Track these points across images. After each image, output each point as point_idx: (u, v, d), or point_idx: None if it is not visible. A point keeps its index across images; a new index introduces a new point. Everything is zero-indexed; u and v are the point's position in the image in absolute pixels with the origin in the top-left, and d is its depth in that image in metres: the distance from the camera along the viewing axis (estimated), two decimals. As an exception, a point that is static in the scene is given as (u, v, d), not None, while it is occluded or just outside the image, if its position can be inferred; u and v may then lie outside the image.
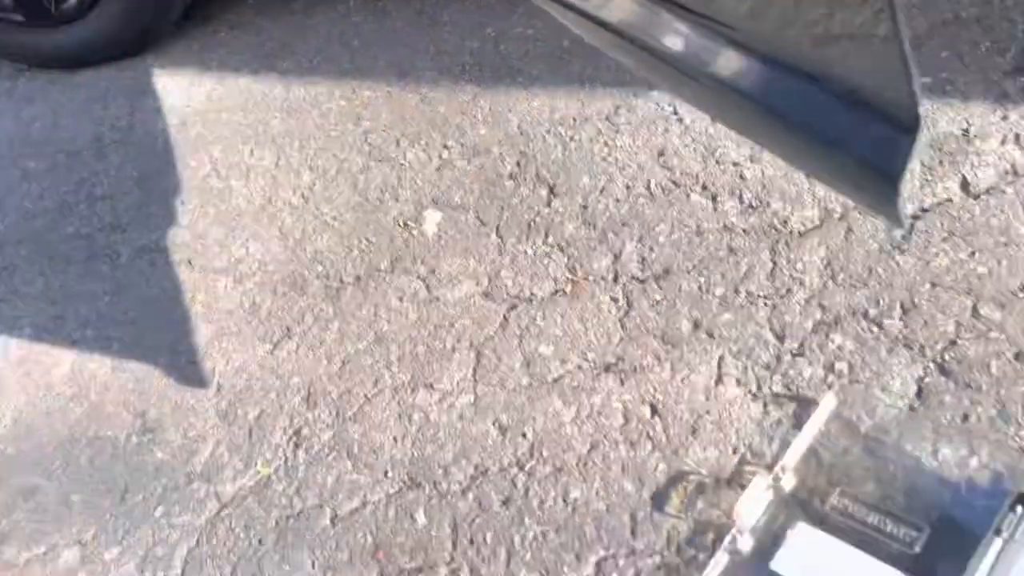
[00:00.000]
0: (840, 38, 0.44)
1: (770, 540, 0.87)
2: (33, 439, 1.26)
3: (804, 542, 0.85)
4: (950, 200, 1.10)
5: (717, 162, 1.27)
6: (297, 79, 1.71)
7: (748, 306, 1.09)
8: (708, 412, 1.01)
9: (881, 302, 1.02)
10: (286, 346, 1.28)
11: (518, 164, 1.41)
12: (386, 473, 1.09)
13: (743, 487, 0.90)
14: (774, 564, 0.85)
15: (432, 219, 1.39)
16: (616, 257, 1.22)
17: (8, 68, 1.93)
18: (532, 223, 1.31)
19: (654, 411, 1.03)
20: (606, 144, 1.38)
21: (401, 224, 1.40)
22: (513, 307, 1.21)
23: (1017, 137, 1.13)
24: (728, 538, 0.87)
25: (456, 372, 1.16)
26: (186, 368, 1.28)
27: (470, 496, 1.03)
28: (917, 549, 0.80)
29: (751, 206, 1.19)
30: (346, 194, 1.48)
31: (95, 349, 1.35)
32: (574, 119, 1.44)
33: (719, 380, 1.03)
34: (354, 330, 1.27)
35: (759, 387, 1.01)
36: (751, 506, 0.88)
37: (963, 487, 0.83)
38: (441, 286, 1.28)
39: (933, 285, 1.02)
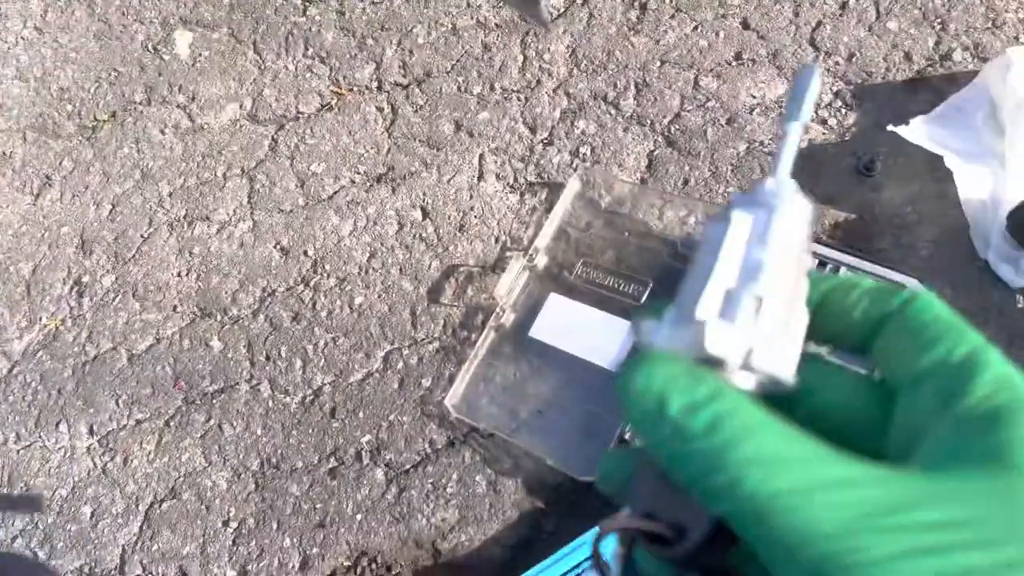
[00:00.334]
0: None
1: (528, 312, 0.99)
2: None
3: (555, 309, 0.98)
4: (678, -23, 1.16)
5: (466, -46, 1.26)
6: None
7: (503, 102, 1.14)
8: (472, 208, 1.08)
9: (618, 84, 1.10)
10: (48, 195, 1.23)
11: (267, -29, 1.34)
12: (175, 308, 1.12)
13: (505, 271, 1.00)
14: (532, 332, 0.97)
15: (183, 40, 1.31)
16: (378, 65, 1.22)
17: None
18: (290, 35, 1.27)
19: (425, 214, 1.09)
20: (356, -58, 1.33)
21: (151, 49, 1.32)
22: (281, 127, 1.20)
23: (737, -93, 1.18)
24: (493, 316, 0.98)
25: (231, 201, 1.17)
26: (-60, 234, 1.21)
27: (261, 317, 1.08)
28: (642, 300, 0.94)
29: (501, -1, 1.21)
30: (84, 21, 1.36)
31: None
32: (320, -85, 1.36)
33: (481, 177, 1.10)
34: (118, 170, 1.22)
35: (515, 179, 1.08)
36: (510, 286, 0.99)
37: (680, 243, 0.97)
38: (204, 113, 1.24)
39: (662, 62, 1.10)
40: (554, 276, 1.00)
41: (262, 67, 1.26)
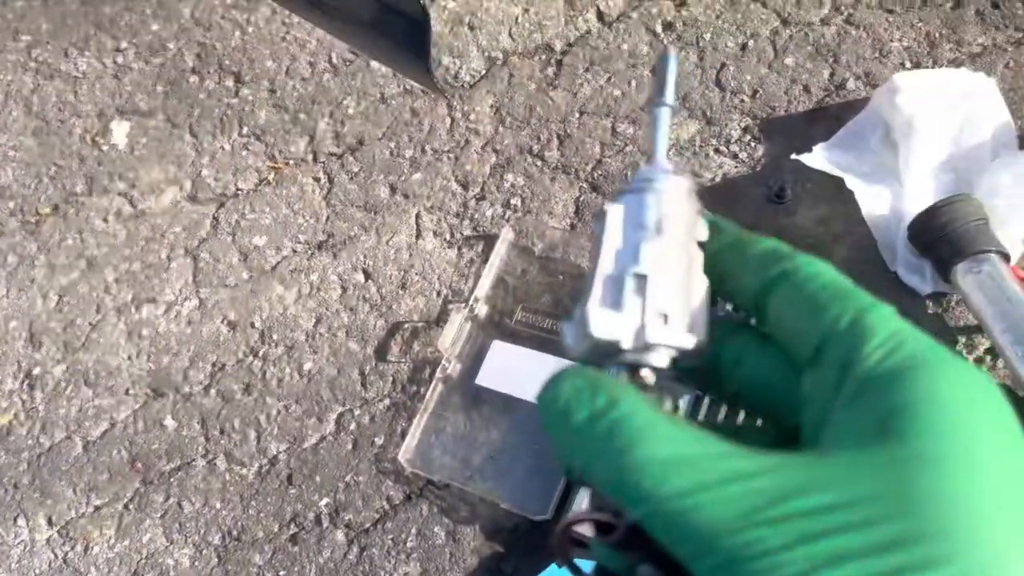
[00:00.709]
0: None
1: (473, 361, 1.02)
2: None
3: (499, 356, 1.01)
4: (589, 32, 1.22)
5: (389, 27, 1.32)
6: (-72, -2, 1.52)
7: (435, 163, 1.18)
8: (413, 266, 1.12)
9: (542, 137, 1.16)
10: (-6, 293, 1.24)
11: (199, 57, 1.39)
12: (127, 391, 1.13)
13: (448, 323, 1.03)
14: (478, 380, 1.00)
15: (121, 130, 1.35)
16: (311, 138, 1.26)
17: None
18: (224, 116, 1.32)
19: (367, 276, 1.13)
20: (283, 23, 1.38)
21: (89, 141, 1.35)
22: (221, 205, 1.24)
23: (638, -36, 1.26)
24: (439, 368, 1.01)
25: (176, 281, 1.19)
26: None
27: (212, 392, 1.10)
28: (581, 340, 0.98)
29: (433, 63, 1.26)
30: (22, 120, 1.39)
31: None
32: (247, 1, 1.42)
33: (419, 235, 1.14)
34: (63, 261, 1.24)
35: (452, 234, 1.12)
36: (454, 337, 1.02)
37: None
38: (144, 198, 1.27)
39: (581, 113, 1.16)
40: (496, 324, 1.04)
41: (199, 149, 1.29)
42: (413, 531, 0.95)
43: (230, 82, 1.35)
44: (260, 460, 1.04)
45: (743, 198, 1.03)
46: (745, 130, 1.08)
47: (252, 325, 1.13)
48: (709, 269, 0.26)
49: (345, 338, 1.09)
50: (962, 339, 0.90)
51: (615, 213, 0.27)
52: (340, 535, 0.98)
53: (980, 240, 0.86)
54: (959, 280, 0.87)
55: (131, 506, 1.06)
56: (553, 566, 0.87)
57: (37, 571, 1.05)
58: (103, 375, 1.15)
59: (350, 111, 1.27)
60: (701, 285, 0.26)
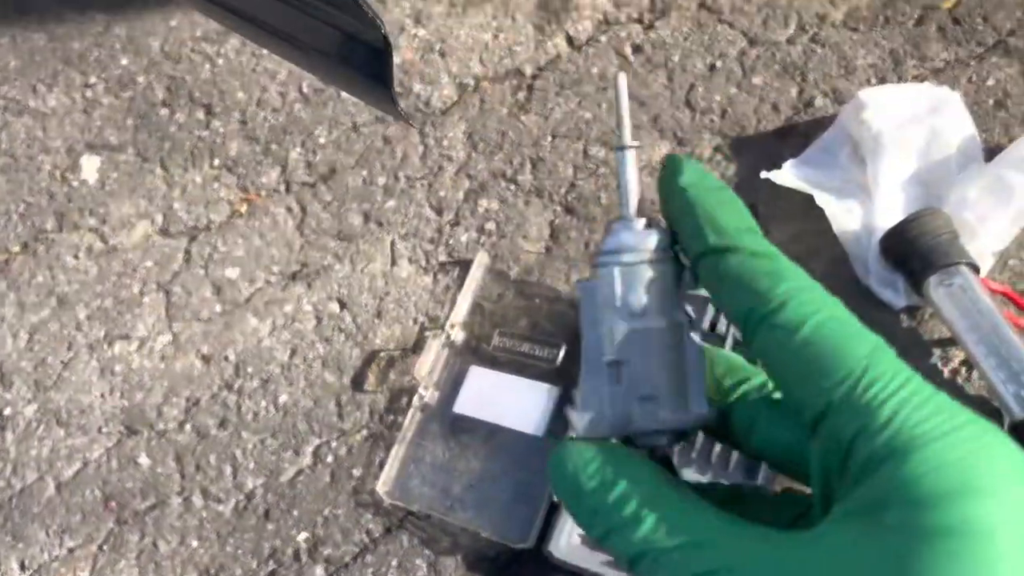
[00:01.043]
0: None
1: (451, 388, 1.01)
2: None
3: (477, 382, 1.00)
4: (559, 56, 1.23)
5: (359, 56, 1.32)
6: None
7: (408, 190, 1.18)
8: (388, 294, 1.11)
9: (514, 161, 1.16)
10: (-38, 333, 1.22)
11: (169, 90, 1.38)
12: (100, 429, 1.11)
13: (424, 351, 1.02)
14: (456, 407, 0.99)
15: (91, 165, 1.34)
16: (283, 168, 1.25)
17: None
18: (195, 149, 1.31)
19: (342, 305, 1.12)
20: (253, 55, 1.38)
21: (58, 177, 1.34)
22: (193, 239, 1.23)
23: (605, -11, 1.27)
24: (417, 396, 1.00)
25: (149, 316, 1.18)
26: None
27: (187, 428, 1.08)
28: (558, 362, 0.97)
29: (397, 93, 1.27)
30: (-10, 157, 1.38)
31: None
32: (217, 33, 1.42)
33: (393, 263, 1.13)
34: (33, 299, 1.22)
35: (427, 261, 1.12)
36: (431, 365, 1.01)
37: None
38: (115, 234, 1.26)
39: (553, 137, 1.16)
40: (473, 349, 1.03)
41: (170, 182, 1.28)
42: (394, 564, 0.94)
43: (201, 114, 1.34)
44: (237, 496, 1.02)
45: (716, 217, 1.03)
46: (716, 149, 1.08)
47: (226, 359, 1.11)
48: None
49: (321, 369, 1.08)
50: (937, 351, 0.90)
51: (589, 293, 0.27)
52: (319, 570, 0.96)
53: (950, 253, 0.87)
54: (931, 293, 0.87)
55: (105, 547, 1.03)
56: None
57: (9, 618, 1.03)
58: (75, 414, 1.13)
59: (322, 140, 1.26)
60: (692, 351, 0.25)
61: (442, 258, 1.12)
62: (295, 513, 0.99)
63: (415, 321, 1.08)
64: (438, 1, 1.33)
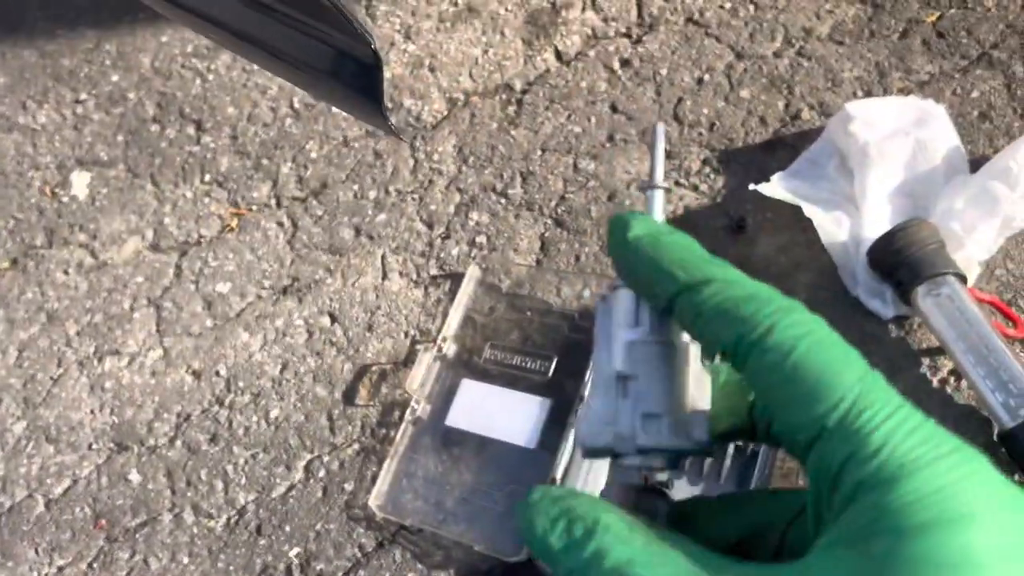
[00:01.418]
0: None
1: (443, 401, 1.01)
2: None
3: (469, 395, 1.00)
4: (548, 71, 1.24)
5: (350, 71, 1.32)
6: None
7: (399, 203, 1.19)
8: (379, 308, 1.11)
9: (505, 175, 1.16)
10: (-49, 350, 1.21)
11: (159, 106, 1.38)
12: (90, 446, 1.10)
13: (416, 364, 1.02)
14: (448, 420, 0.99)
15: (81, 181, 1.34)
16: (274, 182, 1.26)
17: None
18: (186, 164, 1.31)
19: (333, 319, 1.12)
20: (244, 70, 1.39)
21: (48, 193, 1.33)
22: (184, 254, 1.23)
23: (594, 3, 1.28)
24: (409, 410, 1.00)
25: (140, 332, 1.17)
26: None
27: (178, 443, 1.08)
28: (549, 375, 0.97)
29: (387, 108, 1.27)
30: (-21, 173, 1.37)
31: None
32: (207, 49, 1.42)
33: (384, 276, 1.13)
34: (22, 316, 1.22)
35: (418, 274, 1.12)
36: (422, 378, 1.01)
37: (577, 316, 1.01)
38: (106, 249, 1.26)
39: (543, 151, 1.17)
40: (465, 362, 1.03)
41: (161, 198, 1.28)
42: (386, 578, 0.93)
43: (191, 130, 1.34)
44: (228, 511, 1.02)
45: (704, 229, 1.04)
46: (704, 162, 1.09)
47: (217, 374, 1.11)
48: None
49: (312, 383, 1.08)
50: (925, 361, 0.91)
51: (605, 308, 0.27)
52: (312, 586, 0.95)
53: (938, 263, 0.87)
54: (919, 303, 0.88)
55: (95, 565, 1.03)
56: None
57: (-3, 638, 1.02)
58: (65, 430, 1.12)
59: (313, 155, 1.27)
60: (698, 376, 0.26)
61: (433, 271, 1.12)
62: (287, 528, 0.99)
63: (406, 335, 1.08)
64: (428, 17, 1.34)
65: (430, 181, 1.19)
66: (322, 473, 1.01)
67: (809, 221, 0.97)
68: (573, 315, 1.01)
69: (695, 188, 1.08)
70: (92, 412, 1.13)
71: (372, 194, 1.21)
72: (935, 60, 1.09)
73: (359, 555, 0.95)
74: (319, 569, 0.96)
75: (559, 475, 0.89)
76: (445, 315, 1.07)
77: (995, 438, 0.85)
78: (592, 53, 1.24)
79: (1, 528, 1.07)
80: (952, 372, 0.90)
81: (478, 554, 0.91)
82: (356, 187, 1.22)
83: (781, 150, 1.08)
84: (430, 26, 1.33)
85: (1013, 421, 0.81)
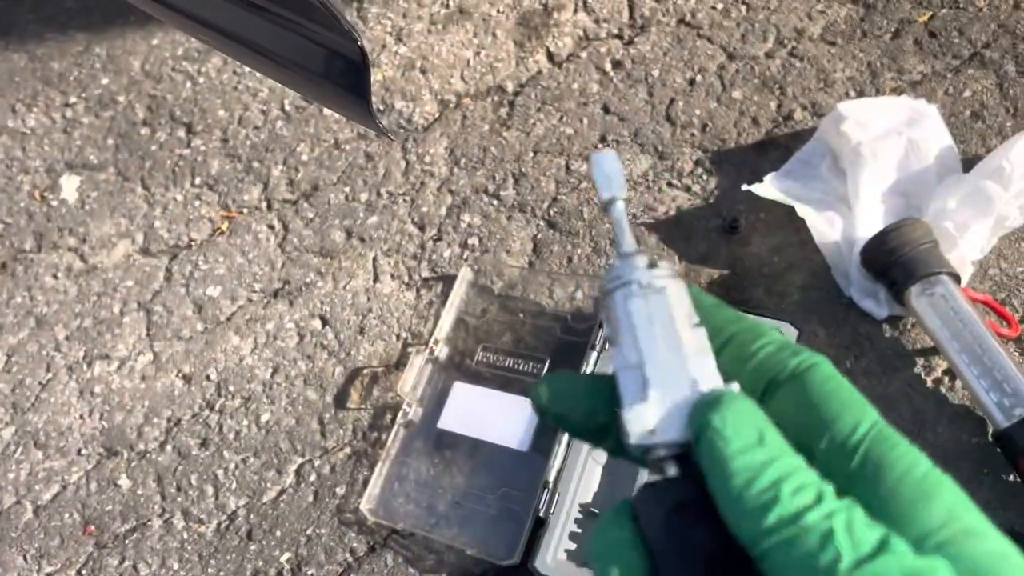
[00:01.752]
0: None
1: (435, 404, 1.00)
2: None
3: (461, 398, 0.99)
4: (540, 72, 1.24)
5: (341, 73, 1.32)
6: None
7: (391, 206, 1.18)
8: (371, 310, 1.10)
9: (497, 177, 1.16)
10: (-61, 355, 1.20)
11: (150, 109, 1.37)
12: (79, 451, 1.09)
13: (408, 367, 1.01)
14: (441, 423, 0.98)
15: (71, 184, 1.33)
16: (265, 185, 1.25)
17: None
18: (176, 167, 1.30)
19: (324, 322, 1.11)
20: (235, 73, 1.38)
21: (38, 197, 1.32)
22: (174, 257, 1.22)
23: (585, 4, 1.28)
24: (400, 413, 0.99)
25: (129, 336, 1.16)
26: None
27: (168, 448, 1.07)
28: (542, 376, 0.96)
29: (379, 110, 1.27)
30: (-32, 177, 1.36)
31: None
32: (198, 52, 1.41)
33: (376, 279, 1.13)
34: (11, 320, 1.21)
35: (410, 276, 1.11)
36: (414, 381, 1.00)
37: (570, 317, 1.00)
38: (95, 253, 1.25)
39: (535, 152, 1.16)
40: (457, 365, 1.02)
41: (151, 201, 1.27)
42: (378, 583, 0.93)
43: (182, 133, 1.33)
44: (219, 516, 1.01)
45: (697, 230, 1.04)
46: (697, 163, 1.09)
47: (208, 378, 1.10)
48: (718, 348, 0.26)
49: (303, 387, 1.07)
50: (920, 361, 0.90)
51: (644, 301, 0.27)
52: (303, 591, 0.94)
53: (931, 263, 0.87)
54: (913, 303, 0.87)
55: (84, 571, 1.01)
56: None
57: (-16, 646, 1.00)
58: (54, 436, 1.11)
59: (304, 157, 1.26)
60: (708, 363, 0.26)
61: (425, 274, 1.11)
62: (278, 533, 0.98)
63: (398, 337, 1.08)
64: (419, 19, 1.34)
65: (422, 183, 1.19)
66: (313, 477, 1.00)
67: (802, 221, 0.97)
68: (566, 317, 1.00)
69: (688, 189, 1.07)
70: (81, 417, 1.11)
71: (363, 196, 1.20)
72: (927, 60, 1.09)
73: (350, 559, 0.95)
74: (310, 574, 0.95)
75: (552, 478, 0.89)
76: (437, 317, 1.06)
77: (990, 438, 0.85)
78: (584, 55, 1.23)
79: (-11, 535, 1.06)
80: (946, 372, 0.89)
81: (471, 558, 0.90)
82: (347, 189, 1.21)
83: (774, 151, 1.07)
84: (421, 28, 1.33)
85: (1008, 421, 0.80)
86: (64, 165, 1.34)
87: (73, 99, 1.42)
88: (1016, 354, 0.89)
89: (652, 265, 0.27)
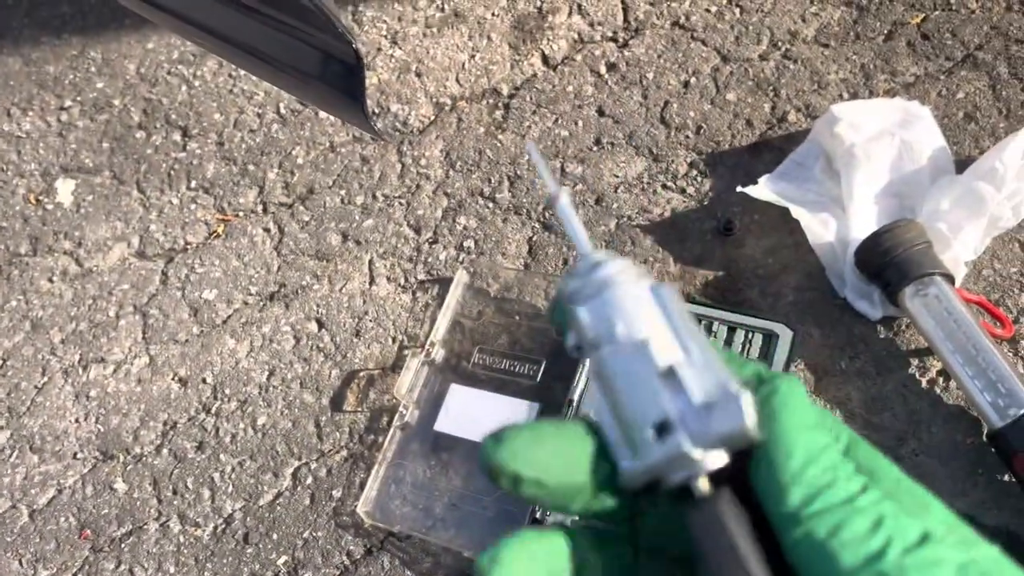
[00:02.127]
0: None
1: (431, 407, 1.00)
2: None
3: (457, 400, 0.99)
4: (535, 75, 1.24)
5: (337, 76, 1.32)
6: None
7: (386, 208, 1.18)
8: (367, 313, 1.10)
9: (492, 179, 1.16)
10: (-66, 360, 1.20)
11: (145, 112, 1.37)
12: (75, 455, 1.09)
13: (404, 369, 1.01)
14: (437, 426, 0.98)
15: (66, 188, 1.33)
16: (261, 189, 1.25)
17: None
18: (172, 171, 1.30)
19: (320, 325, 1.11)
20: (230, 76, 1.38)
21: (33, 201, 1.32)
22: (170, 260, 1.22)
23: (580, 7, 1.29)
24: (397, 416, 0.99)
25: (125, 339, 1.16)
26: None
27: (164, 452, 1.07)
28: (538, 379, 0.97)
29: (374, 113, 1.27)
30: (-37, 181, 1.36)
31: None
32: (193, 55, 1.42)
33: (372, 282, 1.13)
34: (6, 324, 1.21)
35: (406, 279, 1.12)
36: (410, 383, 1.00)
37: (554, 331, 1.00)
38: (91, 257, 1.25)
39: (530, 155, 1.16)
40: (453, 367, 1.02)
41: (147, 204, 1.27)
42: (375, 586, 0.93)
43: (177, 136, 1.33)
44: (215, 520, 1.01)
45: (692, 232, 1.04)
46: (691, 165, 1.09)
47: (204, 381, 1.10)
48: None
49: (299, 390, 1.07)
50: (914, 362, 0.91)
51: (652, 296, 0.25)
52: (299, 594, 0.94)
53: (925, 263, 0.87)
54: (907, 303, 0.88)
55: (80, 575, 1.01)
56: None
57: (-20, 651, 1.00)
58: (49, 440, 1.11)
59: (299, 161, 1.26)
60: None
61: (421, 276, 1.11)
62: (274, 536, 0.98)
63: (394, 340, 1.08)
64: (414, 22, 1.34)
65: (417, 186, 1.19)
66: (310, 480, 1.00)
67: (796, 223, 0.97)
68: (561, 319, 1.01)
69: (682, 191, 1.08)
70: (77, 421, 1.11)
71: (359, 199, 1.20)
72: (920, 62, 1.09)
73: (347, 562, 0.95)
74: (307, 577, 0.95)
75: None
76: (433, 320, 1.06)
77: (984, 438, 0.85)
78: (579, 57, 1.24)
79: (-16, 539, 1.06)
80: (941, 373, 0.90)
81: (467, 560, 0.90)
82: (343, 192, 1.21)
83: (768, 152, 1.08)
84: (416, 31, 1.33)
85: (1002, 421, 0.81)
86: (59, 168, 1.34)
87: (68, 102, 1.42)
88: (1010, 354, 0.89)
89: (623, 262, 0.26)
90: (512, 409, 0.96)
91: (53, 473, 1.09)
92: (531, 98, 1.22)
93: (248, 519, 1.00)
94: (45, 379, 1.16)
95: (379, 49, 1.32)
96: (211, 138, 1.31)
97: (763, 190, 0.99)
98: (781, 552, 0.21)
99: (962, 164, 0.97)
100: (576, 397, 0.92)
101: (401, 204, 1.18)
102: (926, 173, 0.96)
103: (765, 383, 0.23)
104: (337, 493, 0.98)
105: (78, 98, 1.42)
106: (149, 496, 1.04)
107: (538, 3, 1.31)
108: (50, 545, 1.04)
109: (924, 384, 0.89)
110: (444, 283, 1.09)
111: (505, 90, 1.23)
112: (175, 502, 1.03)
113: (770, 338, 0.90)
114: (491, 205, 1.14)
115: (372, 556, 0.94)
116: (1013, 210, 0.91)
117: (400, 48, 1.32)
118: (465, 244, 1.12)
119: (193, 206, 1.26)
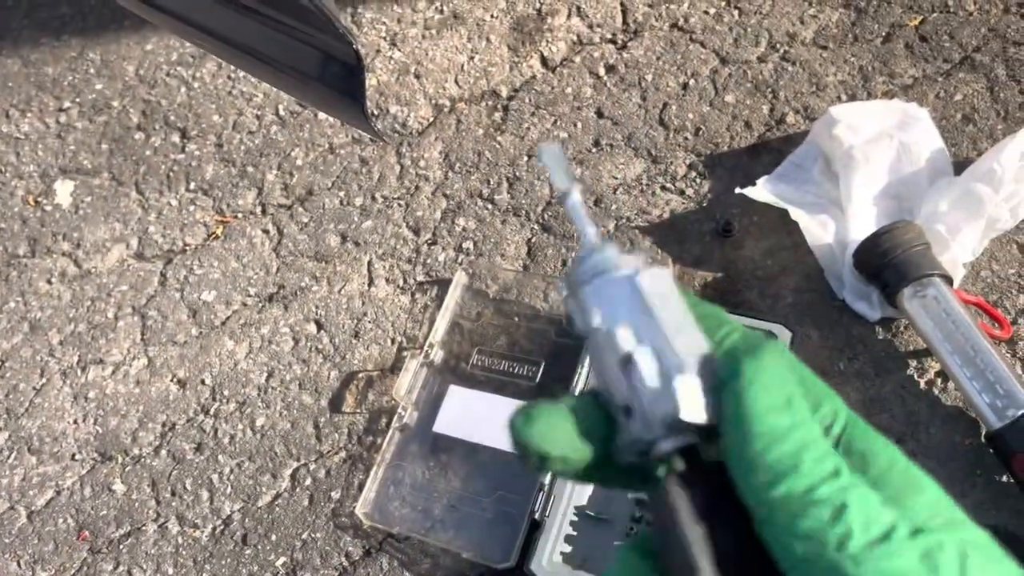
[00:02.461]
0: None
1: (430, 408, 1.00)
2: None
3: (456, 401, 0.99)
4: (534, 77, 1.24)
5: (336, 78, 1.32)
6: None
7: (385, 210, 1.18)
8: (366, 314, 1.10)
9: (491, 181, 1.16)
10: (-68, 361, 1.20)
11: (144, 114, 1.38)
12: (74, 456, 1.09)
13: (403, 371, 1.01)
14: (436, 427, 0.98)
15: (64, 189, 1.33)
16: (260, 190, 1.25)
17: None
18: (171, 172, 1.30)
19: (319, 326, 1.11)
20: (229, 78, 1.38)
21: (32, 202, 1.32)
22: (169, 262, 1.22)
23: (579, 9, 1.29)
24: (396, 417, 0.99)
25: (124, 341, 1.16)
26: None
27: (163, 453, 1.06)
28: (537, 380, 0.97)
29: (373, 114, 1.27)
30: (-39, 183, 1.36)
31: None
32: (192, 57, 1.42)
33: (371, 283, 1.13)
34: (5, 326, 1.21)
35: (405, 280, 1.12)
36: (409, 384, 1.00)
37: (564, 321, 1.01)
38: (90, 258, 1.25)
39: (529, 156, 1.17)
40: (452, 368, 1.02)
41: (145, 206, 1.27)
42: (374, 587, 0.93)
43: (176, 138, 1.34)
44: (214, 521, 1.01)
45: (691, 233, 1.04)
46: (690, 167, 1.09)
47: (203, 382, 1.10)
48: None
49: (298, 391, 1.07)
50: (912, 363, 0.91)
51: (640, 289, 0.26)
52: (298, 596, 0.94)
53: (923, 264, 0.88)
54: (905, 304, 0.88)
55: (78, 578, 1.01)
56: None
57: (-22, 653, 1.00)
58: (48, 441, 1.11)
59: (298, 162, 1.26)
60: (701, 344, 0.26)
61: (420, 278, 1.11)
62: (273, 537, 0.98)
63: (393, 341, 1.08)
64: (413, 24, 1.34)
65: (416, 187, 1.19)
66: (308, 481, 1.00)
67: (795, 224, 0.98)
68: (560, 320, 1.01)
69: (681, 193, 1.08)
70: (75, 422, 1.11)
71: (358, 201, 1.20)
72: (918, 64, 1.10)
73: (346, 563, 0.95)
74: (306, 578, 0.95)
75: (547, 481, 0.89)
76: (432, 321, 1.06)
77: (982, 439, 0.85)
78: (577, 59, 1.24)
79: (-18, 541, 1.06)
80: (939, 374, 0.90)
81: (466, 561, 0.90)
82: (342, 194, 1.21)
83: (766, 154, 1.08)
84: (416, 33, 1.33)
85: (1000, 422, 0.81)
86: (58, 170, 1.34)
87: (67, 104, 1.42)
88: (1008, 356, 0.89)
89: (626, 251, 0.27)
90: (511, 410, 0.96)
91: (51, 474, 1.08)
92: (530, 100, 1.22)
93: (247, 520, 1.00)
94: (43, 380, 1.15)
95: (378, 51, 1.32)
96: (210, 140, 1.31)
97: (762, 192, 1.00)
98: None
99: (960, 166, 0.97)
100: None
101: (400, 205, 1.18)
102: (924, 175, 0.96)
103: (739, 359, 0.23)
104: (336, 494, 0.98)
105: (77, 99, 1.42)
106: (147, 497, 1.04)
107: (537, 5, 1.31)
108: (48, 546, 1.04)
109: (922, 385, 0.90)
110: (443, 284, 1.09)
111: (504, 92, 1.24)
112: (174, 503, 1.03)
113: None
114: (490, 206, 1.14)
115: (371, 557, 0.94)
116: (1011, 212, 0.91)
117: (399, 50, 1.32)
118: (464, 245, 1.12)
119: (192, 207, 1.26)
